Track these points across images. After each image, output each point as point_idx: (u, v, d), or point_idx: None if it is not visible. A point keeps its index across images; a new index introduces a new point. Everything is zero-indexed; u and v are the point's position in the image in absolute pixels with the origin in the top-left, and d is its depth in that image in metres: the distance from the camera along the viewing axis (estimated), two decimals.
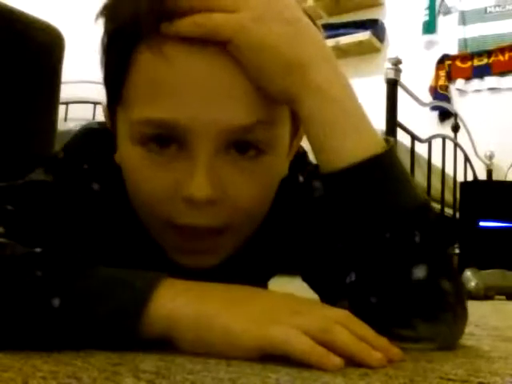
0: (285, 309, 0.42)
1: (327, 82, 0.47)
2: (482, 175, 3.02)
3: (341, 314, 0.42)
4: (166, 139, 0.48)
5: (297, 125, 0.56)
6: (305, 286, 0.66)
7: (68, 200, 0.56)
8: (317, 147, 0.49)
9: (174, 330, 0.40)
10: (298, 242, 0.63)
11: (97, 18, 0.50)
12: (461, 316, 0.50)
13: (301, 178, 0.63)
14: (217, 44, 0.46)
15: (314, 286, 0.64)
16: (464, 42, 3.44)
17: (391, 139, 0.51)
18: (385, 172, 0.48)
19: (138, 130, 0.49)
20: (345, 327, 0.40)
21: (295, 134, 0.57)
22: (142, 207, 0.52)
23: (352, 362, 0.39)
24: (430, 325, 0.48)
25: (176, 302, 0.41)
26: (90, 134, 0.62)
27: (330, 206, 0.52)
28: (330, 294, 0.57)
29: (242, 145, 0.49)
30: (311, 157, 0.56)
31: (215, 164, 0.48)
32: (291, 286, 0.74)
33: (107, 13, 0.51)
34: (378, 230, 0.47)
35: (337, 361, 0.38)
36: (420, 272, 0.46)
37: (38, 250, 0.44)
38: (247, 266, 0.64)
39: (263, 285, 0.73)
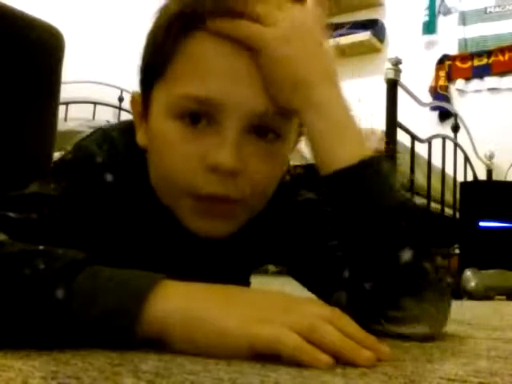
0: (275, 307, 0.43)
1: (327, 100, 0.55)
2: (482, 175, 3.02)
3: (330, 312, 0.43)
4: (198, 115, 0.54)
5: (301, 126, 0.61)
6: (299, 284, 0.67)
7: (72, 209, 0.57)
8: (313, 153, 0.57)
9: (168, 330, 0.41)
10: (281, 239, 0.68)
11: None
12: (443, 295, 0.56)
13: (287, 177, 0.68)
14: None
15: (304, 281, 0.68)
16: (464, 42, 3.44)
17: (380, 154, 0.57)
18: (371, 173, 0.55)
19: (178, 103, 0.55)
20: (334, 325, 0.41)
21: (299, 135, 0.63)
22: (166, 179, 0.57)
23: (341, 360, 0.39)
24: (417, 303, 0.53)
25: (170, 303, 0.41)
26: (100, 132, 0.64)
27: (328, 205, 0.58)
28: (325, 288, 0.62)
29: (263, 129, 0.56)
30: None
31: (240, 141, 0.54)
32: (287, 285, 0.74)
33: None
34: (369, 219, 0.54)
35: (326, 359, 0.38)
36: (406, 255, 0.53)
37: (31, 247, 0.44)
38: (233, 257, 0.67)
39: (245, 281, 0.75)
